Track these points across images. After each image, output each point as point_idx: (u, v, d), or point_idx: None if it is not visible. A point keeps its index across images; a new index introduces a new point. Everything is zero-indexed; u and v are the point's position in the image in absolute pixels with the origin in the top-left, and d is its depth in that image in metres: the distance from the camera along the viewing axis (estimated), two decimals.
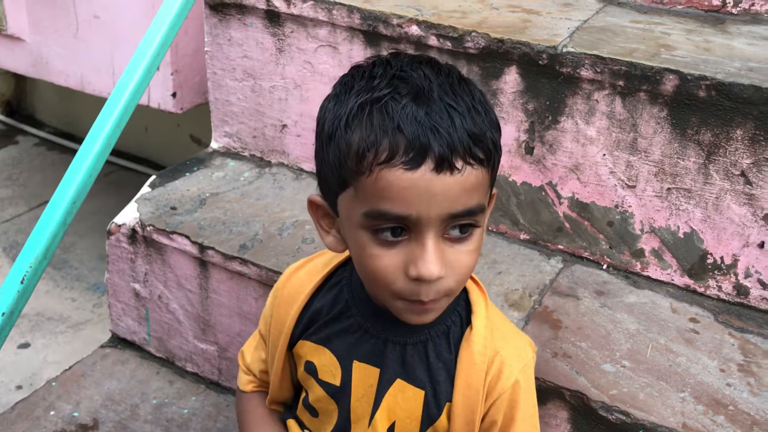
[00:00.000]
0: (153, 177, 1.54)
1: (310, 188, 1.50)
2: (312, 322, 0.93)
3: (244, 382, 1.05)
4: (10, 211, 2.38)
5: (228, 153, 1.63)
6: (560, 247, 1.34)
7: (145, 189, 1.49)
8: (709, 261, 1.23)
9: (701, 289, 1.25)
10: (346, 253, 0.90)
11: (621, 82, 1.20)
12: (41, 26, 1.85)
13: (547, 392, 1.07)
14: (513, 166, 1.33)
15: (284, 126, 1.54)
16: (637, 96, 1.20)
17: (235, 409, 1.09)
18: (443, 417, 0.87)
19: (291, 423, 0.99)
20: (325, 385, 0.91)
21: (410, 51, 1.34)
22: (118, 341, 1.52)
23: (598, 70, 1.21)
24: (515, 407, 0.87)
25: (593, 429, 1.05)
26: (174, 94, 1.72)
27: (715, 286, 1.24)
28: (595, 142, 1.25)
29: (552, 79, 1.25)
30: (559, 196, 1.31)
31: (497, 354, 0.86)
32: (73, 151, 1.23)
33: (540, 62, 1.24)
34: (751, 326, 1.19)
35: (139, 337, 1.49)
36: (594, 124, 1.25)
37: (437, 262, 0.74)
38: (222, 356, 1.40)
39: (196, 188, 1.49)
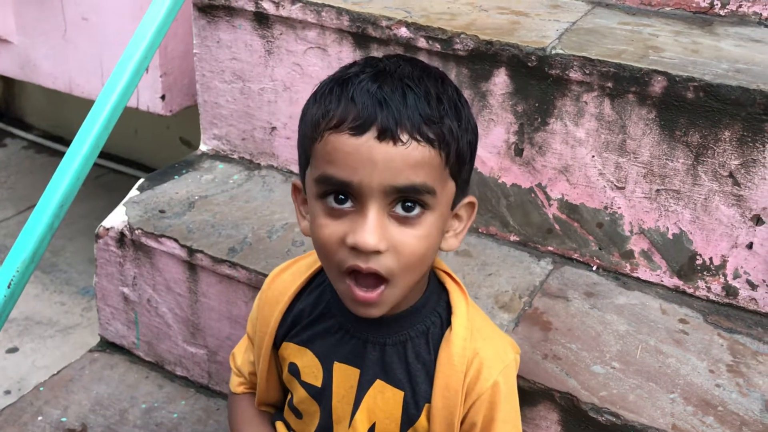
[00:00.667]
0: (141, 180, 1.53)
1: None
2: (295, 324, 0.93)
3: (235, 384, 1.05)
4: None
5: (217, 155, 1.62)
6: (550, 248, 1.34)
7: (134, 192, 1.49)
8: (698, 262, 1.24)
9: (690, 290, 1.26)
10: None
11: (609, 84, 1.20)
12: (29, 28, 1.83)
13: (537, 394, 1.07)
14: (502, 168, 1.33)
15: (273, 128, 1.53)
16: (626, 97, 1.20)
17: (227, 410, 1.09)
18: (423, 418, 0.87)
19: (279, 425, 0.99)
20: (308, 387, 0.91)
21: (399, 53, 1.34)
22: (107, 345, 1.51)
23: (587, 72, 1.21)
24: (495, 408, 0.86)
25: (583, 431, 1.05)
26: (163, 97, 1.71)
27: (704, 287, 1.25)
28: (584, 144, 1.26)
29: (541, 80, 1.25)
30: (548, 198, 1.31)
31: (476, 355, 0.86)
32: (62, 154, 1.22)
33: (529, 64, 1.25)
34: (740, 327, 1.19)
35: (128, 341, 1.48)
36: (583, 125, 1.25)
37: (374, 232, 0.75)
38: (211, 360, 1.39)
39: (185, 191, 1.49)
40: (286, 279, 0.96)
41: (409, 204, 0.77)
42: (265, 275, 1.24)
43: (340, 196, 0.77)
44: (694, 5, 1.46)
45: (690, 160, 1.19)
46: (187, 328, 1.39)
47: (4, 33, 1.86)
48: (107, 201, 1.95)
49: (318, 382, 0.91)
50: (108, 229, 1.40)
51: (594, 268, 1.31)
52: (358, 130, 0.75)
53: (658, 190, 1.23)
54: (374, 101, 0.75)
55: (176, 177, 1.54)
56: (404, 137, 0.75)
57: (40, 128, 2.88)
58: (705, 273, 1.24)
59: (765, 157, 1.14)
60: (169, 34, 1.58)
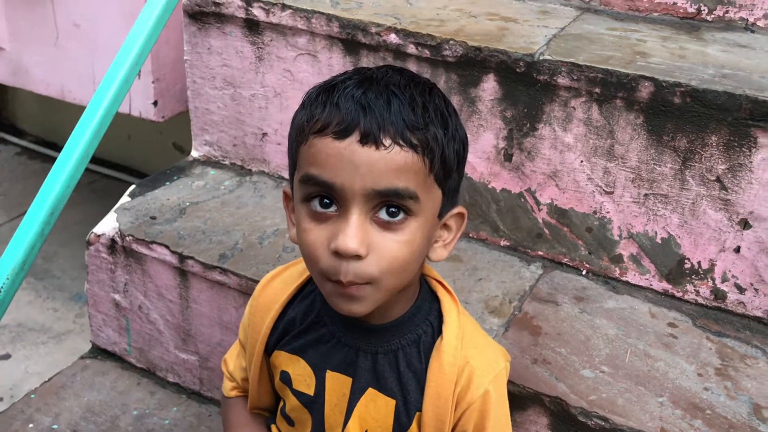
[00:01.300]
0: (133, 186, 1.53)
1: None
2: (286, 332, 0.93)
3: (228, 388, 1.05)
4: None
5: (208, 162, 1.62)
6: (540, 253, 1.34)
7: (125, 198, 1.49)
8: (686, 266, 1.24)
9: (679, 294, 1.26)
10: None
11: (597, 90, 1.21)
12: (21, 35, 1.84)
13: (526, 398, 1.07)
14: (492, 173, 1.34)
15: (264, 134, 1.54)
16: (614, 103, 1.21)
17: (221, 415, 1.09)
18: (414, 426, 0.87)
19: (274, 429, 1.00)
20: (300, 395, 0.92)
21: (389, 59, 1.35)
22: (99, 352, 1.51)
23: (575, 78, 1.22)
24: (486, 417, 0.87)
25: None
26: (155, 103, 1.71)
27: (692, 290, 1.25)
28: (573, 149, 1.26)
29: (529, 86, 1.26)
30: (538, 203, 1.32)
31: (467, 364, 0.86)
32: (55, 161, 1.22)
33: (517, 70, 1.25)
34: (728, 330, 1.20)
35: (119, 348, 1.48)
36: (571, 131, 1.25)
37: (355, 237, 0.75)
38: (203, 366, 1.39)
39: (176, 197, 1.49)
40: (277, 287, 0.96)
41: (393, 209, 0.77)
42: (256, 281, 1.24)
43: (325, 200, 0.78)
44: (681, 11, 1.47)
45: (678, 165, 1.20)
46: (179, 334, 1.40)
47: None
48: (100, 207, 1.95)
49: (310, 391, 0.91)
50: (99, 236, 1.41)
51: (583, 272, 1.32)
52: (341, 134, 0.76)
53: (646, 195, 1.24)
54: (358, 106, 0.76)
55: (167, 183, 1.54)
56: (387, 141, 0.75)
57: (32, 134, 2.88)
58: (693, 277, 1.25)
59: (751, 162, 1.15)
60: (161, 41, 1.58)
